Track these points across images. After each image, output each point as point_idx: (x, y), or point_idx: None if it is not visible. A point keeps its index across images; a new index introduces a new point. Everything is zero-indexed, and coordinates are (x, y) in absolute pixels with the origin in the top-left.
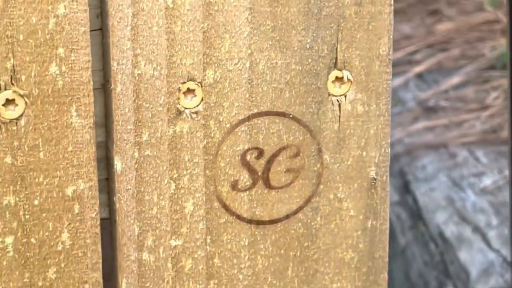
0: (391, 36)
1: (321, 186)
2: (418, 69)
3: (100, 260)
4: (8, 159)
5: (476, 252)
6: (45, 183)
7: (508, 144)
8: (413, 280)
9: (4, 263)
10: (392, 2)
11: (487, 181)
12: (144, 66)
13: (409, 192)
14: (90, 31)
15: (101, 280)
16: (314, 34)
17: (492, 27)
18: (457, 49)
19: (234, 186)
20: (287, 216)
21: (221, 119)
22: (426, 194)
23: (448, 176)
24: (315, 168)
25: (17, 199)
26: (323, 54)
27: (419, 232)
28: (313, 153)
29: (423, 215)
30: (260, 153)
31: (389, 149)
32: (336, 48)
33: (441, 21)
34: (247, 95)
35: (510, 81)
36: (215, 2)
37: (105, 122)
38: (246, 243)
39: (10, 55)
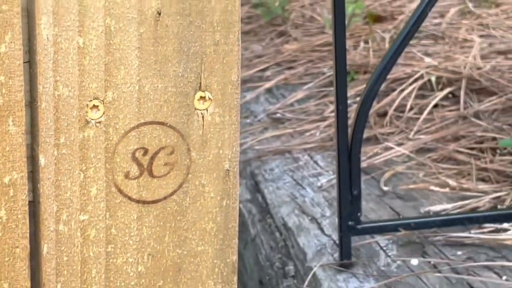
0: (239, 67)
1: (190, 176)
2: (268, 85)
3: (28, 231)
4: None
5: (312, 237)
6: None
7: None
8: (261, 263)
9: None
10: (240, 43)
11: (323, 180)
12: (62, 89)
13: (259, 191)
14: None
15: (28, 246)
16: (185, 66)
17: (331, 48)
18: (301, 67)
19: (126, 175)
20: (165, 198)
21: (117, 127)
22: (273, 192)
23: (292, 177)
24: (185, 162)
25: None
26: (191, 80)
27: (267, 224)
28: (184, 152)
29: (270, 210)
30: (146, 151)
31: (239, 148)
32: (200, 76)
33: (288, 41)
34: (136, 110)
35: (336, 94)
36: (114, 43)
37: (31, 129)
38: (135, 217)
39: None
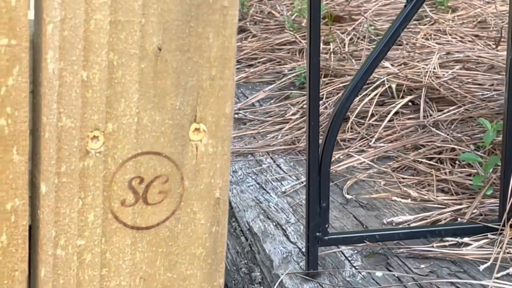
0: (232, 101)
1: (182, 203)
2: None
3: (27, 255)
4: None
5: (278, 244)
6: None
7: (304, 154)
8: (228, 267)
9: None
10: (234, 78)
11: (287, 186)
12: (65, 120)
13: None
14: None
15: (27, 269)
16: (182, 99)
17: (291, 48)
18: (262, 65)
19: (122, 203)
20: (158, 224)
21: (116, 157)
22: (237, 195)
23: (255, 180)
24: (179, 191)
25: None
26: (187, 113)
27: (232, 227)
28: (178, 180)
29: (235, 213)
30: (142, 180)
31: (229, 177)
32: (196, 109)
33: (247, 38)
34: (135, 140)
35: (308, 110)
36: (116, 77)
37: (32, 157)
38: (129, 243)
39: None
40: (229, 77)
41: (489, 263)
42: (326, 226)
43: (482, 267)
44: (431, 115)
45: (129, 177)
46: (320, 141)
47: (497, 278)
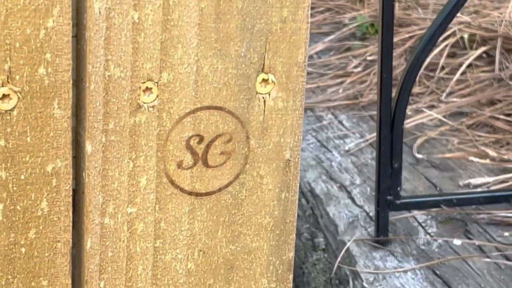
0: (307, 47)
1: (247, 166)
2: None
3: (71, 224)
4: (2, 142)
5: (342, 207)
6: (30, 161)
7: (368, 110)
8: None
9: None
10: (309, 20)
11: (350, 144)
12: (113, 69)
13: None
14: None
15: (70, 240)
16: (248, 45)
17: None
18: (320, 15)
19: (179, 165)
20: (220, 189)
21: (171, 112)
22: None
23: (316, 137)
24: (243, 151)
25: (7, 174)
26: (253, 61)
27: None
28: (242, 139)
29: None
30: (201, 139)
31: (301, 137)
32: (264, 56)
33: None
34: (193, 93)
35: (380, 62)
36: (172, 18)
37: (75, 111)
38: (187, 211)
39: (8, 59)
40: (303, 20)
41: None
42: (398, 189)
43: None
44: (507, 67)
45: (187, 135)
46: (393, 95)
47: None
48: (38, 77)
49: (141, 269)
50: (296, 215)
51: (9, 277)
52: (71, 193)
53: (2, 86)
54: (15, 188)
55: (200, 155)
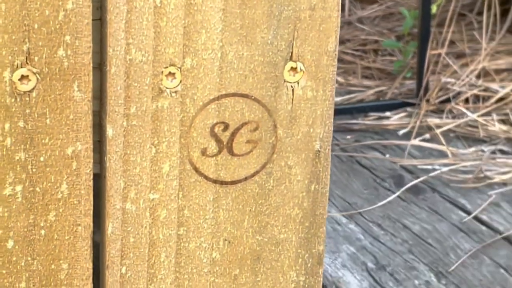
0: (337, 36)
1: (275, 155)
2: None
3: (92, 208)
4: (21, 123)
5: None
6: (50, 143)
7: None
8: None
9: (14, 206)
10: (340, 8)
11: None
12: (135, 52)
13: None
14: (92, 20)
15: (91, 224)
16: (275, 32)
17: None
18: None
19: (203, 152)
20: (246, 178)
21: (195, 98)
22: None
23: None
24: (271, 141)
25: (27, 155)
26: (281, 49)
27: None
28: (270, 128)
29: None
30: (226, 126)
31: (332, 127)
32: (292, 44)
33: None
34: (218, 79)
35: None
36: (195, 3)
37: (99, 95)
38: (211, 199)
39: (27, 40)
40: (334, 7)
41: (407, 129)
42: None
43: (401, 132)
44: (355, 13)
45: (211, 122)
46: None
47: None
48: (58, 59)
49: (164, 256)
50: (326, 207)
51: (29, 258)
52: (91, 177)
53: (21, 67)
54: (34, 170)
55: (225, 143)
